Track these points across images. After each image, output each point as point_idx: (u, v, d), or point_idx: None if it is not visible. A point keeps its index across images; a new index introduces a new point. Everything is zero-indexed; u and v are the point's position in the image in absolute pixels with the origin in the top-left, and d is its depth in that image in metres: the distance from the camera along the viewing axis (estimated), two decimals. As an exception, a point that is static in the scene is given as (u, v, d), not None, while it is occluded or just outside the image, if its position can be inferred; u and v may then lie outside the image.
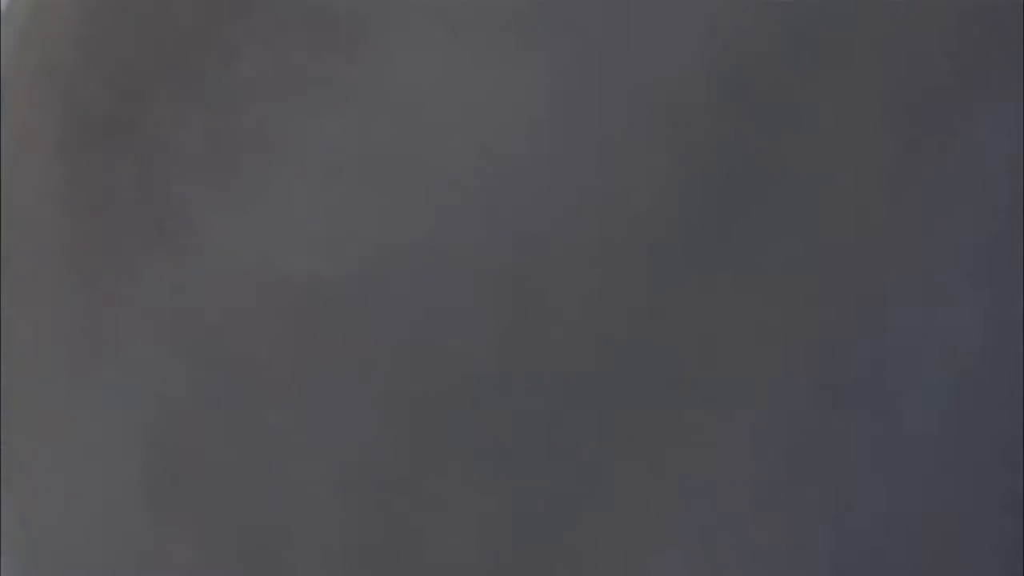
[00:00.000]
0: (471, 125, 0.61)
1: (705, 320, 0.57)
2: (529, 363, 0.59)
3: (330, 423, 0.65)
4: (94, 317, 0.77)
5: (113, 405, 0.76)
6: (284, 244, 0.64)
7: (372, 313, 0.62)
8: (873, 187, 0.59)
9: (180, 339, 0.70)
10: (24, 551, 0.77)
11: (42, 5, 0.98)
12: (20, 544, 0.78)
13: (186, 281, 0.67)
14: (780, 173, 0.58)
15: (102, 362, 0.78)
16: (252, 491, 0.68)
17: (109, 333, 0.76)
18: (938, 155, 0.59)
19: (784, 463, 0.58)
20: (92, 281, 0.77)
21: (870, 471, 0.57)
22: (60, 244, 0.84)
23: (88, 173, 0.76)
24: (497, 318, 0.59)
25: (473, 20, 0.63)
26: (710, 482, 0.58)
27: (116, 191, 0.73)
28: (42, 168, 0.81)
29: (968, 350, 0.57)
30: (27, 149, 0.87)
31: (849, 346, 0.57)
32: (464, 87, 0.61)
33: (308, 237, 0.62)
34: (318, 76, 0.65)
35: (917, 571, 0.57)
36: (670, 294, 0.56)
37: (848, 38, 0.59)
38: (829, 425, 0.58)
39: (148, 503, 0.71)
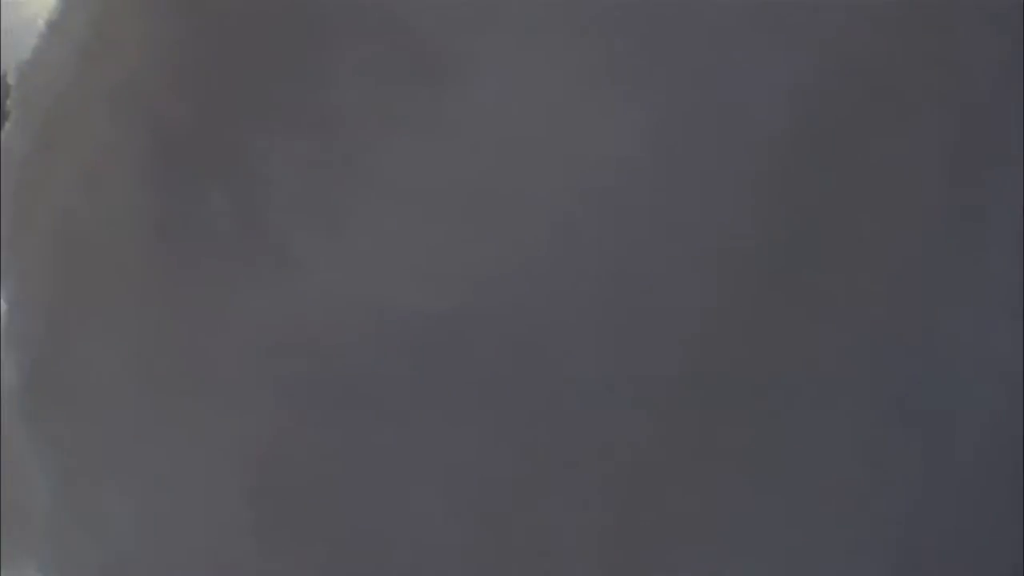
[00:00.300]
0: (565, 157, 0.67)
1: (786, 341, 0.64)
2: (632, 384, 0.65)
3: (439, 448, 0.69)
4: (194, 347, 0.79)
5: (216, 434, 0.78)
6: (385, 275, 0.68)
7: (477, 340, 0.66)
8: (929, 228, 0.66)
9: (286, 368, 0.73)
10: None
11: (107, 19, 1.00)
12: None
13: (288, 311, 0.71)
14: (851, 212, 0.66)
15: (205, 391, 0.81)
16: (363, 515, 0.71)
17: (211, 362, 0.78)
18: (984, 199, 0.66)
19: (857, 471, 0.65)
20: (189, 310, 0.80)
21: (928, 480, 0.63)
22: (153, 272, 0.86)
23: (181, 203, 0.79)
24: (599, 342, 0.65)
25: (566, 54, 0.68)
26: (793, 487, 0.64)
27: (212, 221, 0.75)
28: (129, 196, 0.83)
29: (1010, 372, 0.63)
30: (109, 175, 0.88)
31: (909, 369, 0.64)
32: (558, 120, 0.66)
33: (408, 268, 0.66)
34: (413, 106, 0.70)
35: (969, 570, 0.64)
36: (756, 317, 0.63)
37: (911, 91, 0.66)
38: (894, 438, 0.64)
39: (255, 531, 0.74)
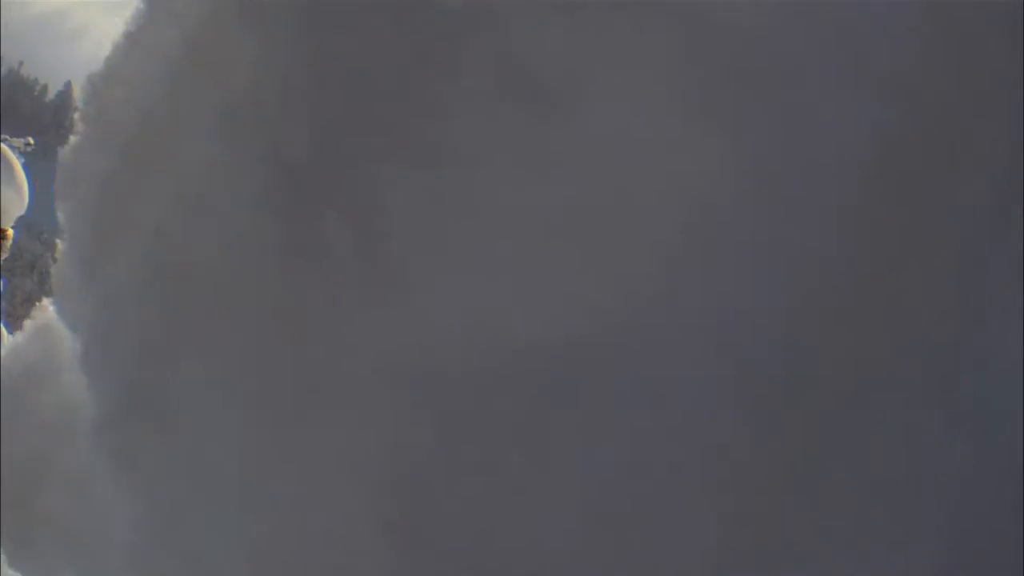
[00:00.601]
0: (664, 187, 0.76)
1: (863, 352, 0.76)
2: (736, 393, 0.76)
3: (569, 472, 0.76)
4: (309, 371, 0.85)
5: (333, 458, 0.85)
6: (496, 299, 0.74)
7: (586, 360, 0.75)
8: (983, 252, 0.82)
9: (402, 391, 0.79)
10: None
11: (207, 38, 1.05)
12: None
13: (405, 335, 0.76)
14: (915, 239, 0.83)
15: (320, 414, 0.87)
16: (494, 532, 0.78)
17: (327, 386, 0.84)
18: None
19: (915, 470, 0.79)
20: (305, 335, 0.85)
21: (978, 477, 0.78)
22: (266, 296, 0.92)
23: (298, 227, 0.84)
24: (703, 356, 0.75)
25: (665, 91, 0.79)
26: (866, 485, 0.77)
27: (333, 247, 0.81)
28: (239, 219, 0.88)
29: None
30: (216, 197, 0.93)
31: (963, 381, 0.79)
32: (656, 152, 0.76)
33: (518, 293, 0.74)
34: (522, 139, 0.77)
35: (1015, 556, 0.79)
36: (838, 329, 0.76)
37: (963, 130, 0.81)
38: (951, 441, 0.79)
39: (390, 550, 0.79)
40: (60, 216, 1.67)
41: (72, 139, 1.64)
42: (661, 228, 0.86)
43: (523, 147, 0.92)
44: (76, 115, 1.59)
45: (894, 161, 1.11)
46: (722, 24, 1.21)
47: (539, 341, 0.94)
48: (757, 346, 1.01)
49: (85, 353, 1.46)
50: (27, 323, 2.21)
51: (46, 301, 2.20)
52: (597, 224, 1.02)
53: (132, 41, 1.50)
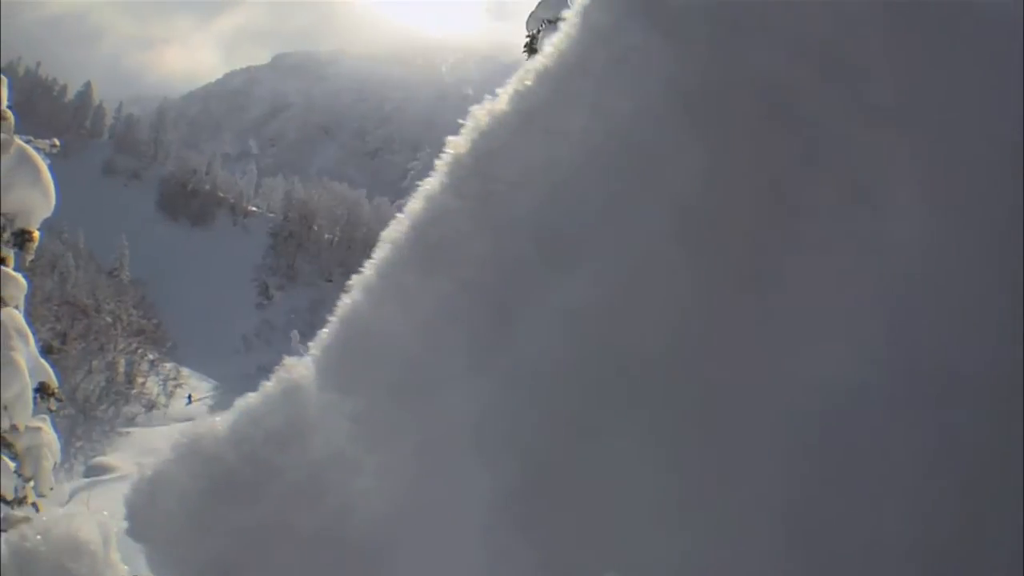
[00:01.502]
0: (934, 276, 1.26)
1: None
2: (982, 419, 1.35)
3: (897, 518, 1.29)
4: (722, 431, 1.18)
5: (776, 515, 1.24)
6: (825, 353, 1.11)
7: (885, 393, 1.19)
8: None
9: (793, 441, 1.18)
10: None
11: (643, 143, 1.51)
12: None
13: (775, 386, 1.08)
14: None
15: (735, 474, 1.16)
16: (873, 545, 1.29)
17: (735, 443, 1.20)
18: None
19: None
20: (742, 405, 1.19)
21: None
22: (715, 372, 1.21)
23: (742, 312, 1.20)
24: (982, 401, 1.30)
25: (936, 202, 1.40)
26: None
27: (769, 323, 1.19)
28: (693, 310, 1.24)
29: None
30: (696, 288, 1.24)
31: None
32: (938, 248, 1.34)
33: (838, 347, 1.09)
34: (844, 235, 1.20)
35: None
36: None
37: None
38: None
39: None
40: (431, 283, 1.58)
41: (431, 206, 1.55)
42: (936, 296, 1.26)
43: (841, 240, 1.24)
44: (445, 192, 1.49)
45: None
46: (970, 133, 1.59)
47: (850, 382, 1.32)
48: (982, 367, 1.39)
49: (478, 429, 1.42)
50: (267, 385, 2.06)
51: (290, 360, 2.05)
52: (887, 299, 1.40)
53: (526, 120, 1.46)
